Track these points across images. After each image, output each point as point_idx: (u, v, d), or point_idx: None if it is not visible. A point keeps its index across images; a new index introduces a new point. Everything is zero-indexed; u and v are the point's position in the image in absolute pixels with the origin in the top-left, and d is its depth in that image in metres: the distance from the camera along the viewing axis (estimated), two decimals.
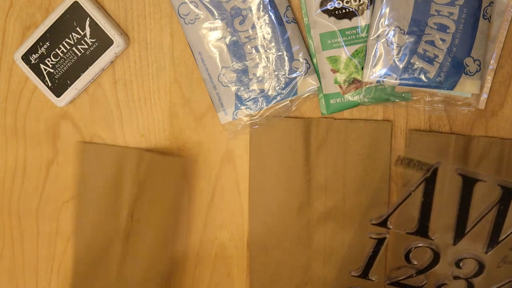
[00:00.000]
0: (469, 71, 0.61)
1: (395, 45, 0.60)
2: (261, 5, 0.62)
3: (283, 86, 0.63)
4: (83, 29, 0.64)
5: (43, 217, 0.71)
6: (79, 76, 0.65)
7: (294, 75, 0.63)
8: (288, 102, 0.64)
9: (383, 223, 0.66)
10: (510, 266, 0.65)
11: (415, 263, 0.66)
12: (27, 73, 0.66)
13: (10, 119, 0.69)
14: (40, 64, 0.65)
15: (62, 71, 0.65)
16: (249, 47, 0.63)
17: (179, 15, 0.63)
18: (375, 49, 0.61)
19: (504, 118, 0.64)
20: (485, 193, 0.64)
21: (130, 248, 0.66)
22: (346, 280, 0.68)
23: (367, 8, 0.62)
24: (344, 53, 0.63)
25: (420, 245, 0.66)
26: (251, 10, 0.62)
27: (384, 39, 0.60)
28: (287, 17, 0.62)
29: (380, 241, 0.66)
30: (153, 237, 0.66)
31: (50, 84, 0.66)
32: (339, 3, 0.62)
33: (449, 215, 0.65)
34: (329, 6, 0.62)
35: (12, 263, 0.72)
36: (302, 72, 0.63)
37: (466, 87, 0.61)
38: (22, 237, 0.72)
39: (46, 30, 0.65)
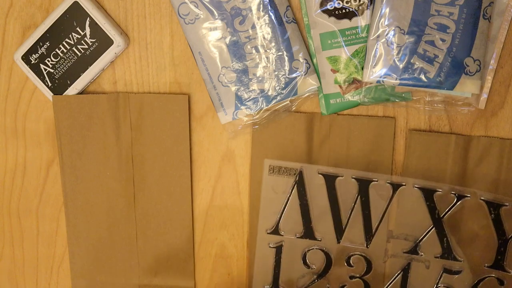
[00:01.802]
0: (469, 71, 0.61)
1: (395, 45, 0.60)
2: (261, 5, 0.62)
3: (283, 86, 0.63)
4: (83, 29, 0.64)
5: (43, 217, 0.71)
6: (79, 76, 0.65)
7: (294, 75, 0.63)
8: (288, 102, 0.64)
9: (275, 231, 0.67)
10: (394, 260, 0.66)
11: (314, 267, 0.67)
12: (27, 73, 0.66)
13: (10, 119, 0.69)
14: (40, 64, 0.65)
15: (62, 71, 0.65)
16: (249, 47, 0.63)
17: (179, 15, 0.63)
18: (375, 49, 0.61)
19: (504, 118, 0.64)
20: (346, 187, 0.65)
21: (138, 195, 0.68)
22: None
23: (367, 8, 0.62)
24: (344, 53, 0.63)
25: (312, 248, 0.67)
26: (251, 10, 0.62)
27: (384, 39, 0.60)
28: (287, 17, 0.62)
29: (279, 249, 0.67)
30: (160, 177, 0.67)
31: (50, 84, 0.66)
32: (339, 3, 0.62)
33: (326, 215, 0.66)
34: (329, 6, 0.62)
35: (12, 263, 0.72)
36: (302, 72, 0.63)
37: (466, 87, 0.61)
38: (22, 237, 0.72)
39: (46, 30, 0.65)
